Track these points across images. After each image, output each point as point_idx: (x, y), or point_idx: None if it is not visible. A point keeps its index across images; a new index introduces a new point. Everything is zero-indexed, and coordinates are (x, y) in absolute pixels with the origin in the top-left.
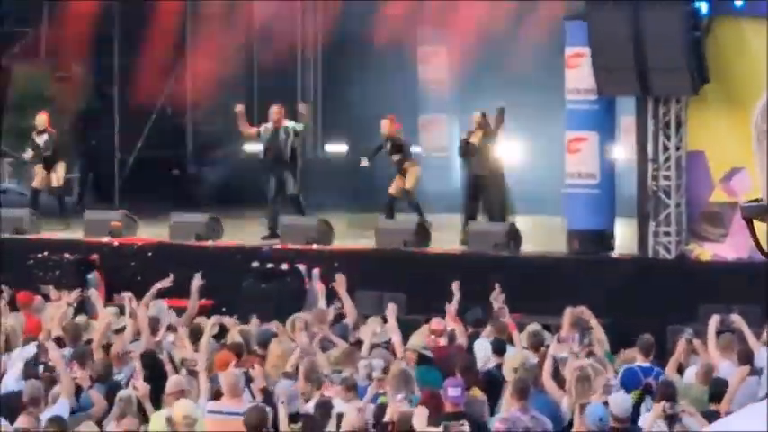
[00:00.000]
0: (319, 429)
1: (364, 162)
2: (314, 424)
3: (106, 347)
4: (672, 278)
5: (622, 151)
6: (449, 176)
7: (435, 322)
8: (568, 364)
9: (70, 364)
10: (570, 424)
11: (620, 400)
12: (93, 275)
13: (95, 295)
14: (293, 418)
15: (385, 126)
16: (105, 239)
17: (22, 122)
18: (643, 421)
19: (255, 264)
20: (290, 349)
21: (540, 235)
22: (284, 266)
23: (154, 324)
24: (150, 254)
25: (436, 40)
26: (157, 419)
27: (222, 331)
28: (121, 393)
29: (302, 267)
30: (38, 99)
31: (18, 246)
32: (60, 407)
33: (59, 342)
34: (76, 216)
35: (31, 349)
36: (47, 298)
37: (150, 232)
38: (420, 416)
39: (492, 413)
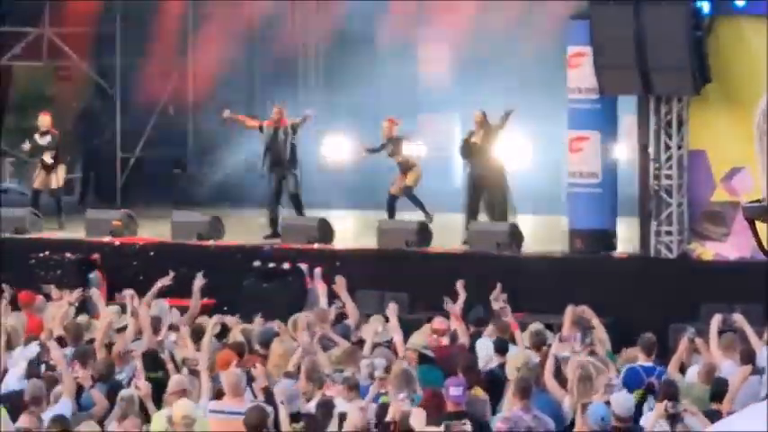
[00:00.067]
0: (321, 429)
1: (363, 153)
2: (316, 424)
3: (108, 346)
4: (674, 277)
5: (624, 150)
6: (450, 175)
7: (437, 322)
8: (570, 363)
9: (72, 364)
10: (572, 423)
11: (622, 400)
12: (94, 275)
13: (97, 295)
14: (294, 417)
15: (385, 128)
16: (107, 239)
17: (24, 122)
18: (645, 421)
19: (257, 263)
20: (292, 349)
21: (542, 234)
22: (286, 266)
23: (155, 323)
24: (152, 253)
25: (437, 39)
26: (158, 419)
27: (224, 331)
28: (123, 393)
29: (304, 267)
30: (39, 99)
31: (19, 245)
32: (62, 406)
33: (61, 342)
34: (78, 215)
35: (33, 349)
36: (48, 297)
37: (151, 232)
38: (418, 417)
39: (494, 412)
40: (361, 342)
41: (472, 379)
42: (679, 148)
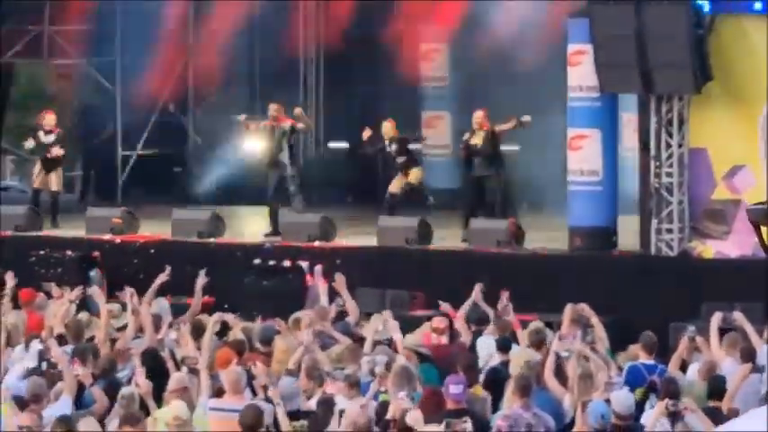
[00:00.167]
0: (322, 427)
1: (366, 150)
2: (317, 421)
3: (112, 343)
4: (674, 275)
5: (625, 149)
6: (450, 174)
7: (437, 320)
8: (571, 361)
9: (72, 362)
10: (572, 421)
11: (623, 398)
12: (95, 273)
13: (97, 292)
14: (294, 415)
15: (387, 128)
16: (107, 237)
17: (24, 120)
18: (646, 419)
19: (257, 261)
20: (295, 345)
21: (543, 232)
22: (286, 263)
23: (156, 321)
24: (152, 251)
25: (438, 38)
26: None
27: (224, 328)
28: (124, 391)
29: (304, 264)
30: (40, 97)
31: (20, 243)
32: (63, 404)
33: (61, 339)
34: (78, 213)
35: (35, 346)
36: (49, 295)
37: (152, 229)
38: (415, 417)
39: (496, 411)
40: (361, 339)
41: (472, 377)
42: (680, 146)
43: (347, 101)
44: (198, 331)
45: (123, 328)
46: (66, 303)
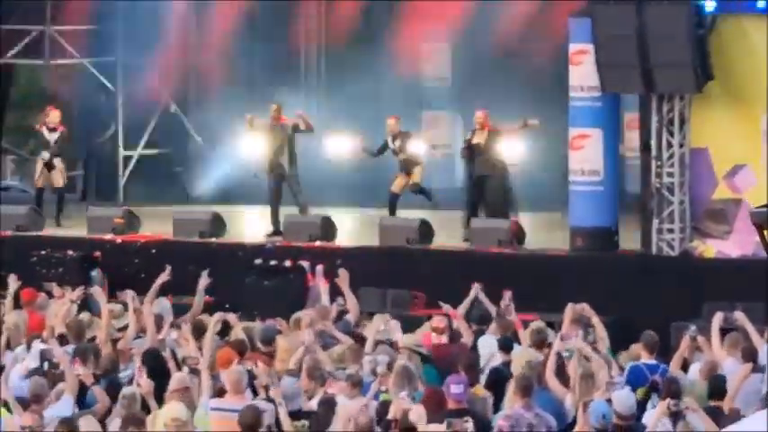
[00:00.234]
0: (323, 427)
1: (361, 153)
2: (318, 422)
3: (114, 343)
4: (675, 275)
5: (626, 148)
6: (451, 173)
7: (437, 320)
8: (572, 361)
9: (73, 362)
10: (574, 421)
11: (624, 398)
12: (96, 272)
13: (99, 292)
14: (295, 415)
15: (391, 125)
16: (108, 236)
17: (25, 120)
18: (647, 418)
19: (258, 261)
20: (298, 344)
21: (544, 232)
22: (287, 263)
23: (158, 321)
24: (153, 251)
25: (439, 37)
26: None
27: (225, 328)
28: (125, 391)
29: (305, 264)
30: (41, 97)
31: (20, 243)
32: (64, 404)
33: (62, 339)
34: (79, 213)
35: (37, 346)
36: (50, 295)
37: (153, 229)
38: (418, 414)
39: (498, 410)
40: (361, 338)
41: (473, 377)
42: (681, 145)
43: (348, 100)
44: (199, 331)
45: (124, 328)
46: (68, 303)
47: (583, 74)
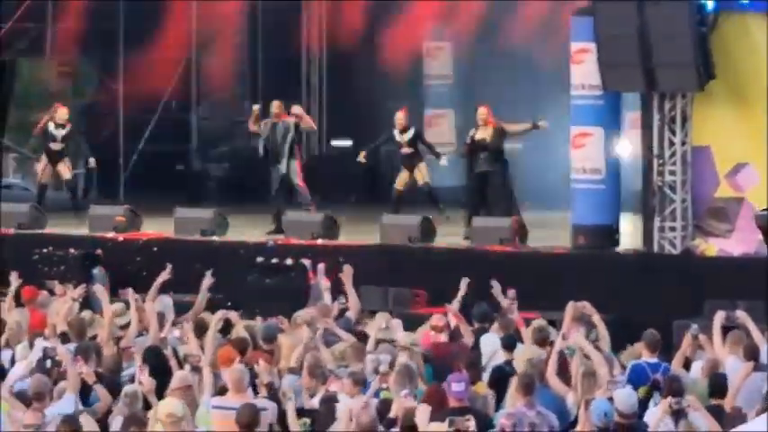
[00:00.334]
0: (325, 425)
1: (362, 157)
2: (320, 419)
3: (116, 341)
4: (677, 274)
5: (628, 147)
6: (453, 171)
7: (436, 318)
8: (574, 359)
9: (75, 360)
10: (576, 420)
11: (626, 396)
12: (98, 271)
13: (101, 290)
14: (297, 413)
15: (399, 118)
16: (110, 234)
17: (27, 118)
18: (649, 417)
19: (260, 259)
20: (300, 342)
21: (545, 230)
22: (289, 261)
23: (159, 320)
24: (155, 249)
25: (441, 36)
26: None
27: (227, 326)
28: (127, 389)
29: (307, 262)
30: (42, 94)
31: (22, 241)
32: (66, 402)
33: (64, 337)
34: (81, 211)
35: (39, 344)
36: (51, 293)
37: (155, 227)
38: (422, 414)
39: (499, 409)
40: (362, 336)
41: (474, 375)
42: (683, 144)
43: (350, 99)
44: (201, 329)
45: (126, 326)
46: (69, 301)
47: (584, 72)
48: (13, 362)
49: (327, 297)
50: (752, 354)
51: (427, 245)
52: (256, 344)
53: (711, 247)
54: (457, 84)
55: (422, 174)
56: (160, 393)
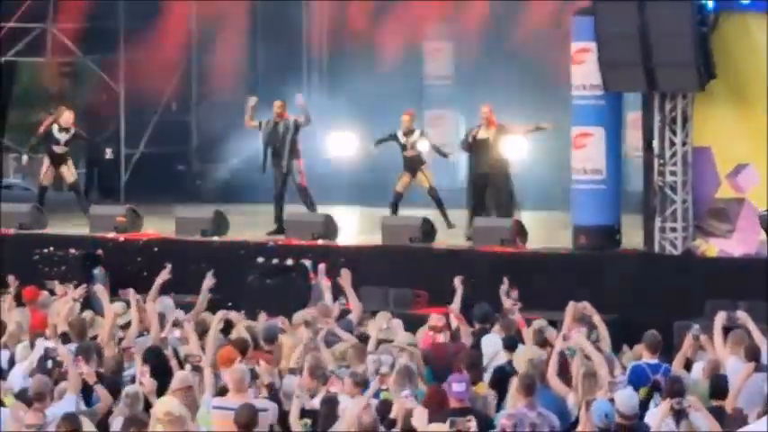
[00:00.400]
0: (326, 426)
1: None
2: (320, 420)
3: (119, 341)
4: (678, 274)
5: (628, 147)
6: (454, 172)
7: (435, 319)
8: (575, 360)
9: (76, 360)
10: (577, 421)
11: (627, 397)
12: (98, 271)
13: (101, 291)
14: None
15: (405, 120)
16: (110, 235)
17: (27, 118)
18: (650, 418)
19: (261, 259)
20: (300, 342)
21: (546, 230)
22: (289, 262)
23: (160, 320)
24: (155, 249)
25: (442, 36)
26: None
27: (228, 326)
28: (128, 389)
29: (307, 263)
30: (43, 95)
31: (23, 241)
32: (67, 402)
33: (65, 338)
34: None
35: (40, 344)
36: (52, 293)
37: (155, 228)
38: (420, 417)
39: (501, 409)
40: (364, 337)
41: (475, 376)
42: (684, 144)
43: (351, 99)
44: (202, 329)
45: (127, 325)
46: (70, 301)
47: (585, 72)
48: (11, 362)
49: (328, 297)
50: (753, 354)
51: (428, 245)
52: (257, 344)
53: (712, 247)
54: (457, 84)
55: (426, 178)
56: (161, 394)
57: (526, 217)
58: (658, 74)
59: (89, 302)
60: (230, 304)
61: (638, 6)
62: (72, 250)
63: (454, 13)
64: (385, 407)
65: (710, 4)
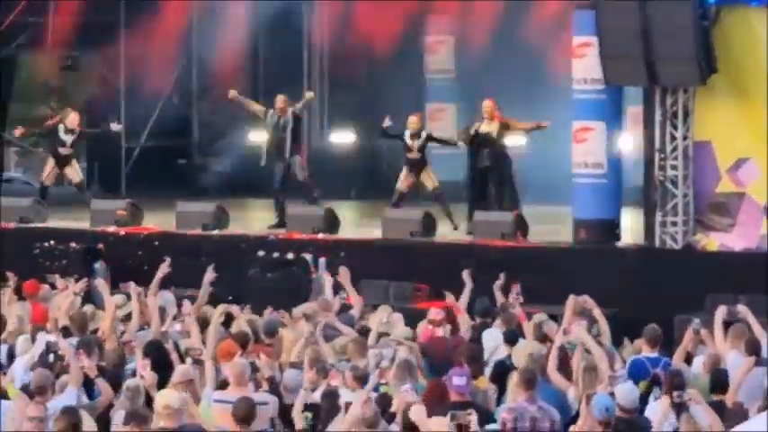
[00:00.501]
0: (327, 419)
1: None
2: (322, 414)
3: (120, 335)
4: (679, 268)
5: (629, 141)
6: (455, 166)
7: (434, 312)
8: (575, 354)
9: (77, 354)
10: (577, 414)
11: (627, 391)
12: (99, 265)
13: (102, 284)
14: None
15: (413, 122)
16: (111, 229)
17: (28, 112)
18: (649, 412)
19: (261, 253)
20: (301, 336)
21: (547, 224)
22: (290, 256)
23: (161, 314)
24: (156, 243)
25: (443, 30)
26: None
27: (228, 320)
28: (129, 383)
29: (308, 257)
30: (43, 89)
31: (24, 235)
32: (68, 396)
33: (66, 331)
34: (82, 205)
35: (42, 338)
36: (53, 287)
37: (156, 221)
38: (417, 413)
39: (501, 403)
40: (363, 330)
41: (476, 370)
42: (684, 138)
43: (351, 93)
44: (203, 323)
45: (127, 317)
46: (71, 295)
47: (586, 66)
48: (11, 356)
49: (329, 291)
50: (753, 348)
51: (428, 239)
52: (258, 338)
53: (713, 241)
54: (458, 78)
55: (430, 178)
56: (162, 388)
57: (527, 211)
58: (659, 68)
59: (90, 296)
60: (231, 298)
61: (640, 0)
62: (73, 244)
63: (455, 5)
64: (384, 401)
65: None
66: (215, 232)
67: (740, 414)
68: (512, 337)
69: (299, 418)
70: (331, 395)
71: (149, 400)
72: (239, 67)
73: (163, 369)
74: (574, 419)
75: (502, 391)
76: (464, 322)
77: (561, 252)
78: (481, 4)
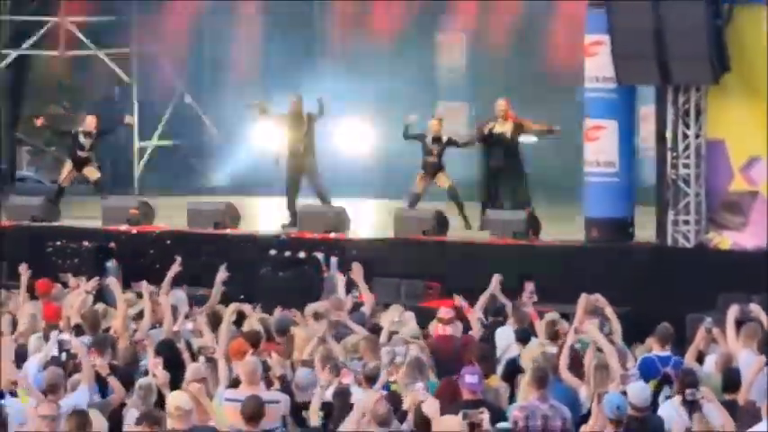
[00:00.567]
0: (339, 417)
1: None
2: (334, 412)
3: (132, 333)
4: (691, 267)
5: (642, 140)
6: (467, 164)
7: (443, 311)
8: (587, 352)
9: (90, 352)
10: (589, 413)
11: (639, 390)
12: (111, 263)
13: (114, 283)
14: (308, 406)
15: (434, 126)
16: (123, 227)
17: (40, 112)
18: (663, 411)
19: (273, 252)
20: (313, 334)
21: (559, 223)
22: (302, 254)
23: (173, 312)
24: (168, 242)
25: (455, 28)
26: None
27: (240, 319)
28: (141, 381)
29: (320, 255)
30: (56, 88)
31: (36, 233)
32: (80, 395)
33: (78, 330)
34: (95, 203)
35: (54, 337)
36: (65, 286)
37: (168, 220)
38: (431, 406)
39: (513, 401)
40: (375, 328)
41: (487, 368)
42: (697, 137)
43: (363, 92)
44: (215, 321)
45: (138, 316)
46: (83, 294)
47: (598, 65)
48: (24, 355)
49: (341, 290)
50: (766, 347)
51: (441, 238)
52: (269, 336)
53: (725, 240)
54: (469, 76)
55: (446, 177)
56: (174, 386)
57: (539, 210)
58: (672, 66)
59: (102, 295)
60: (242, 297)
61: (653, 0)
62: (85, 243)
63: (467, 3)
64: (394, 399)
65: None
66: (227, 231)
67: (752, 413)
68: (524, 336)
69: (316, 417)
70: (343, 393)
71: (161, 399)
72: (252, 65)
73: (175, 368)
74: (585, 418)
75: (514, 389)
76: (473, 321)
77: (573, 251)
78: (497, 4)
